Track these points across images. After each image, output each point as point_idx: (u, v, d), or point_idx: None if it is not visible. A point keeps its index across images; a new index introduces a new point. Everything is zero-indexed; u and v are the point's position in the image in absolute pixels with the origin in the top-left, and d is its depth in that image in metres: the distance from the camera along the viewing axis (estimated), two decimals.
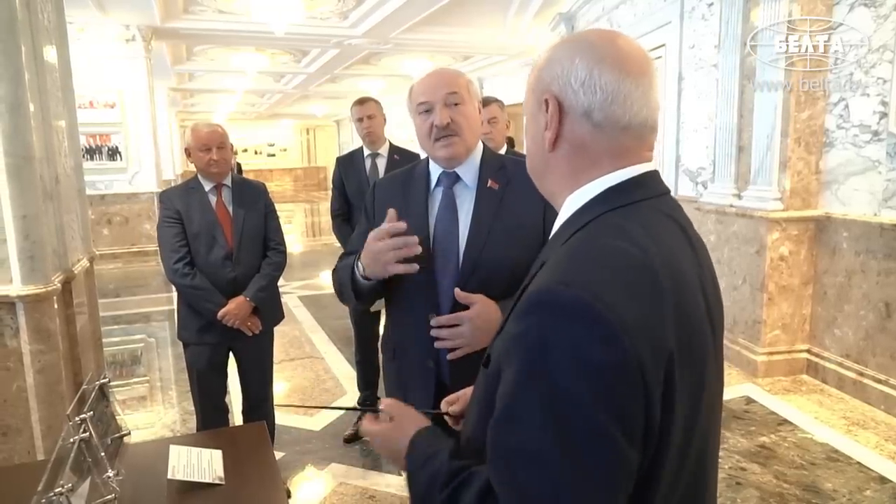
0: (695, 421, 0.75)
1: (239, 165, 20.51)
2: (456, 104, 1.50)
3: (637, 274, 0.71)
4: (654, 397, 0.67)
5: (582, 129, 0.81)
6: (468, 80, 1.55)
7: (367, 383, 3.51)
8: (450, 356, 1.44)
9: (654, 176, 0.84)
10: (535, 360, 0.68)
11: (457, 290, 1.41)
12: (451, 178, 1.57)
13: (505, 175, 1.55)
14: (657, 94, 0.83)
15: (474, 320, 1.39)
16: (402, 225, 1.39)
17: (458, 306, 1.43)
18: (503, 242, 1.48)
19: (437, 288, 1.51)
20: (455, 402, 1.13)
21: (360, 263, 1.50)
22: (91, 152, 8.65)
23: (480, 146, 1.61)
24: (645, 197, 0.81)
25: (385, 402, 1.06)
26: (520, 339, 0.70)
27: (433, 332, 1.43)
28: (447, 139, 1.50)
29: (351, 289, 1.56)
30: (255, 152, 26.16)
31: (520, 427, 0.68)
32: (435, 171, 1.59)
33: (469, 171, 1.56)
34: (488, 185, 1.54)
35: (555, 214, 0.88)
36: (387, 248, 1.39)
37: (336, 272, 1.68)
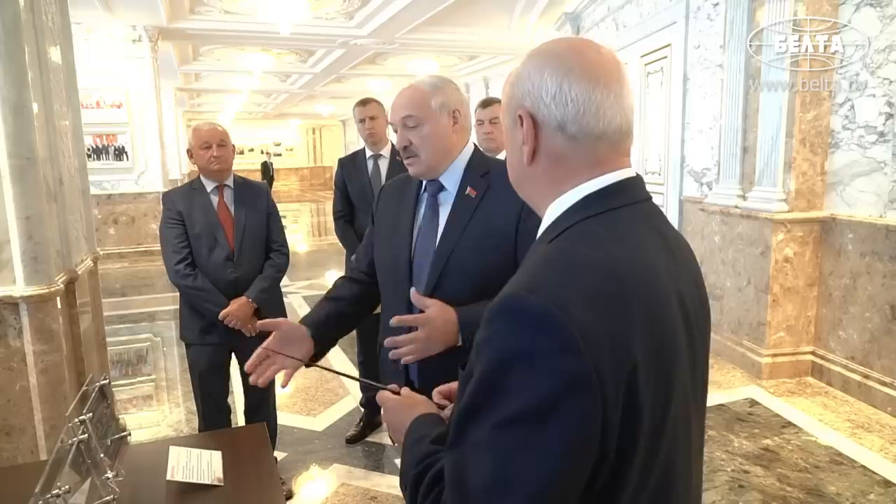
0: (663, 422, 0.76)
1: (271, 165, 20.61)
2: (413, 126, 1.51)
3: (603, 282, 0.72)
4: (611, 406, 0.68)
5: (557, 142, 0.82)
6: (438, 95, 1.52)
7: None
8: (403, 360, 1.42)
9: (632, 182, 0.85)
10: (496, 366, 0.70)
11: (412, 291, 1.41)
12: (435, 186, 1.59)
13: (486, 181, 1.55)
14: (630, 97, 0.84)
15: (432, 322, 1.37)
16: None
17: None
18: (473, 250, 1.49)
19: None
20: (447, 392, 1.13)
21: None
22: (98, 152, 8.70)
23: (469, 150, 1.60)
24: (622, 204, 0.82)
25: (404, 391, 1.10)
26: (486, 343, 0.72)
27: (387, 342, 1.41)
28: (408, 159, 1.54)
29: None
30: (262, 152, 26.26)
31: (475, 423, 0.71)
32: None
33: (451, 179, 1.58)
34: (466, 192, 1.55)
35: (531, 222, 0.89)
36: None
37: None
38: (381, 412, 1.08)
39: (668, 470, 0.79)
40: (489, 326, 0.73)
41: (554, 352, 0.67)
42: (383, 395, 1.07)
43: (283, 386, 1.47)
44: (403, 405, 1.02)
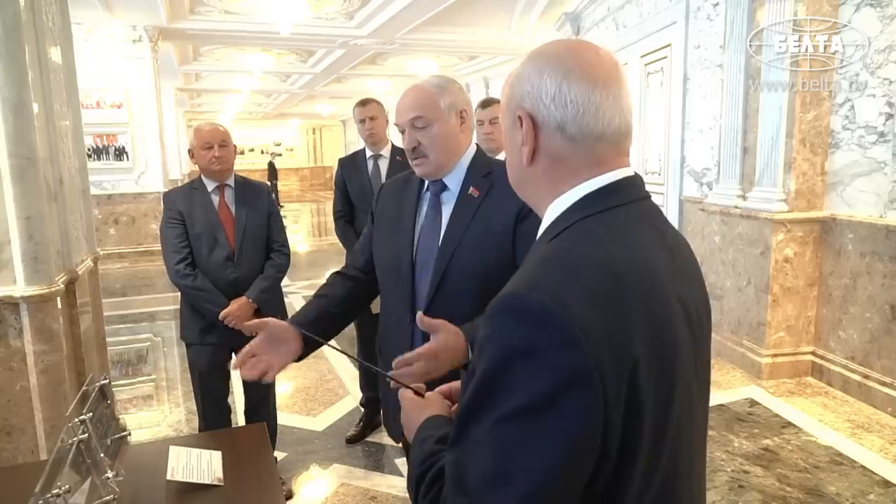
0: (666, 421, 0.76)
1: (273, 165, 20.65)
2: (422, 127, 1.51)
3: (602, 281, 0.73)
4: (613, 403, 0.69)
5: (557, 143, 0.83)
6: (446, 95, 1.53)
7: (369, 384, 3.51)
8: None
9: (631, 181, 0.85)
10: (498, 364, 0.70)
11: (419, 315, 1.31)
12: (438, 186, 1.60)
13: (489, 181, 1.56)
14: (629, 97, 0.84)
15: (440, 354, 1.30)
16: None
17: (432, 310, 1.44)
18: (475, 249, 1.50)
19: (416, 294, 1.56)
20: (447, 392, 1.11)
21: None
22: (98, 152, 8.70)
23: (472, 150, 1.62)
24: (621, 203, 0.83)
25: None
26: (487, 340, 0.73)
27: (396, 363, 1.31)
28: (417, 160, 1.55)
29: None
30: (262, 152, 26.27)
31: (476, 421, 0.71)
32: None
33: (454, 179, 1.59)
34: (469, 192, 1.56)
35: (529, 222, 0.90)
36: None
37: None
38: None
39: (671, 470, 0.79)
40: (491, 324, 0.73)
41: (555, 347, 0.67)
42: (403, 394, 1.07)
43: (265, 382, 1.50)
44: (418, 405, 1.02)
